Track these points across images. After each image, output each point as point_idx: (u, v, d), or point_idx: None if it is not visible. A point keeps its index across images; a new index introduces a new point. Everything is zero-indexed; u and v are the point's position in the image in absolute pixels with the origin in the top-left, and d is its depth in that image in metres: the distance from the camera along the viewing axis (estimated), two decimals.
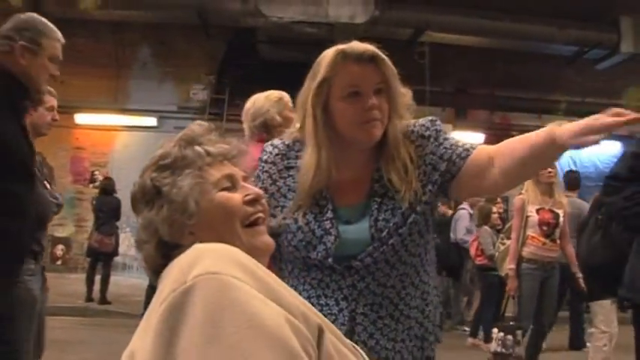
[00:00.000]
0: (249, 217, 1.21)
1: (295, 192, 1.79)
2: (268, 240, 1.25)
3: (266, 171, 1.84)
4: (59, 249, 10.41)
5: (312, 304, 1.68)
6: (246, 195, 1.22)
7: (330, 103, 1.72)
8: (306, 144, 1.77)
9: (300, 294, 1.66)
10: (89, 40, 10.17)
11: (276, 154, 1.84)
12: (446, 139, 1.81)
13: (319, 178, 1.74)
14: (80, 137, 10.93)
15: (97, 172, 10.81)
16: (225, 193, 1.21)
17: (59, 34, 2.55)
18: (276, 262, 1.87)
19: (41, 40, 2.45)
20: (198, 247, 1.02)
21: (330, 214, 1.75)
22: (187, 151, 1.22)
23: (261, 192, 1.28)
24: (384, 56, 1.72)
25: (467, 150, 1.79)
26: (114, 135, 10.97)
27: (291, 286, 1.74)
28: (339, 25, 9.07)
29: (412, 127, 1.82)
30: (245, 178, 1.28)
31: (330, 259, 1.73)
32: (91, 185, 10.73)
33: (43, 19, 2.52)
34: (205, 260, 0.96)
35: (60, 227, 10.43)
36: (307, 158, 1.75)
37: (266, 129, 3.10)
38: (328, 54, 1.72)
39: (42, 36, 2.46)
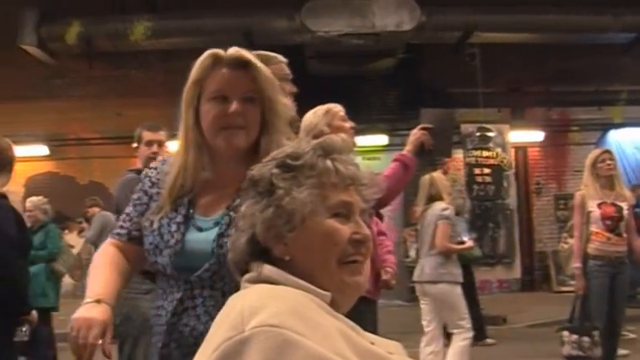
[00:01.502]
0: (347, 257, 1.13)
1: (154, 205, 1.75)
2: (360, 280, 1.16)
3: (148, 176, 1.81)
4: None
5: (155, 315, 1.74)
6: (355, 233, 1.14)
7: (200, 105, 1.67)
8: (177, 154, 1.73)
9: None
10: (140, 71, 10.39)
11: (154, 168, 1.83)
12: None
13: (183, 180, 1.69)
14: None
15: None
16: (334, 223, 1.13)
17: None
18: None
19: None
20: (261, 291, 1.01)
21: (180, 219, 1.69)
22: (319, 161, 1.15)
23: (369, 234, 1.17)
24: (260, 64, 1.66)
25: None
26: None
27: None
28: (385, 35, 9.03)
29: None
30: (362, 212, 1.19)
31: (168, 268, 1.67)
32: None
33: None
34: (267, 309, 0.93)
35: None
36: (174, 159, 1.72)
37: None
38: (202, 57, 1.68)
39: None
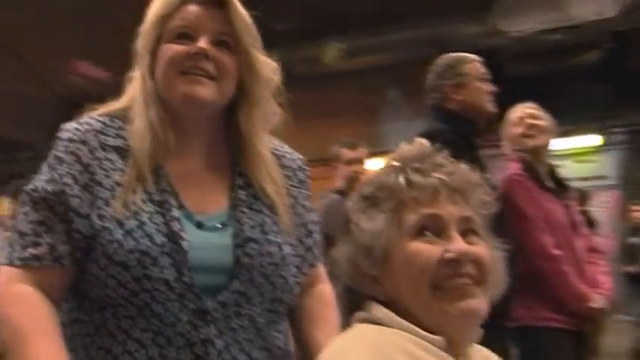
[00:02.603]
0: (444, 281, 0.94)
1: (117, 181, 1.19)
2: (468, 306, 0.94)
3: (72, 152, 1.21)
4: None
5: None
6: (446, 251, 0.94)
7: (158, 49, 1.26)
8: (133, 109, 1.26)
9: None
10: (338, 93, 10.60)
11: (87, 131, 1.24)
12: (309, 206, 1.40)
13: (155, 149, 1.21)
14: None
15: None
16: (417, 244, 0.95)
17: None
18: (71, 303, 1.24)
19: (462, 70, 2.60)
20: (354, 335, 0.92)
21: (175, 213, 1.19)
22: (390, 180, 0.99)
23: (467, 250, 0.94)
24: (240, 7, 1.29)
25: (316, 257, 1.38)
26: None
27: (103, 346, 1.16)
28: (586, 25, 8.46)
29: (281, 150, 1.41)
30: (466, 221, 0.98)
31: (186, 276, 1.15)
32: None
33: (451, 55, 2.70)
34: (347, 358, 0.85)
35: None
36: (137, 122, 1.23)
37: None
38: None
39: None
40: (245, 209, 1.26)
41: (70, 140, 1.23)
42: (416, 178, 0.98)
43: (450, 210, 0.97)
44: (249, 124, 1.30)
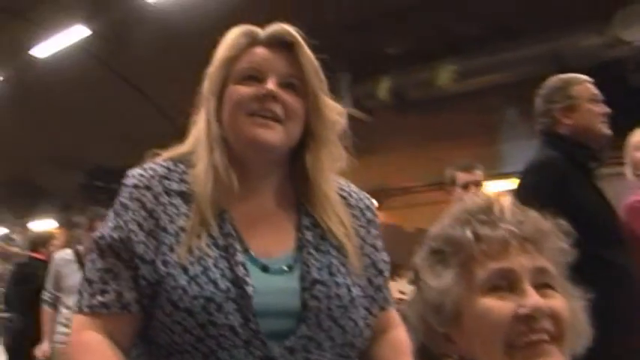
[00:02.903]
0: (519, 338, 0.88)
1: (181, 226, 1.18)
2: None
3: (137, 198, 1.22)
4: None
5: None
6: (520, 307, 0.88)
7: (225, 91, 1.26)
8: (197, 152, 1.25)
9: None
10: (454, 115, 10.44)
11: (151, 177, 1.25)
12: (380, 245, 1.37)
13: (218, 192, 1.20)
14: None
15: None
16: (489, 301, 0.90)
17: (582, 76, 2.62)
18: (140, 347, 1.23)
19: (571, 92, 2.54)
20: None
21: (240, 257, 1.18)
22: (456, 233, 0.94)
23: (542, 304, 0.89)
24: (304, 46, 1.27)
25: (387, 299, 1.34)
26: None
27: None
28: None
29: (347, 190, 1.37)
30: (539, 272, 0.91)
31: (252, 322, 1.13)
32: None
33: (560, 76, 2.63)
34: None
35: None
36: (200, 166, 1.23)
37: None
38: (232, 33, 1.30)
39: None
40: (312, 250, 1.23)
41: (135, 187, 1.24)
42: (483, 230, 0.93)
43: (521, 262, 0.91)
44: (315, 166, 1.28)
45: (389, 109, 10.03)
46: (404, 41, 9.58)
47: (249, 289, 1.15)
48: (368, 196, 1.41)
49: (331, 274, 1.21)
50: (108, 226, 1.23)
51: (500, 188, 10.80)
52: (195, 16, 9.40)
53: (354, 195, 1.38)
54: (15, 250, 8.22)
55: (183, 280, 1.14)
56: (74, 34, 10.64)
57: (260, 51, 1.26)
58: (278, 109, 1.21)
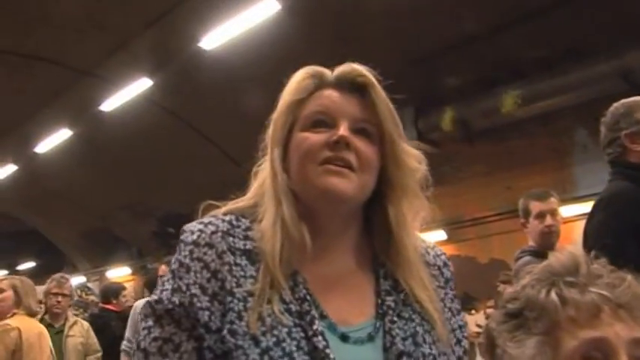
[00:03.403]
0: None
1: (249, 290, 1.05)
2: None
3: (198, 258, 1.08)
4: None
5: None
6: None
7: (291, 138, 1.14)
8: (262, 206, 1.13)
9: None
10: (522, 141, 10.21)
11: (212, 232, 1.11)
12: (456, 308, 1.21)
13: (288, 251, 1.06)
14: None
15: None
16: None
17: None
18: None
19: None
20: None
21: (318, 326, 1.04)
22: (540, 295, 0.82)
23: None
24: (378, 87, 1.15)
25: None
26: (571, 227, 10.59)
27: None
28: None
29: (424, 246, 1.22)
30: (638, 344, 0.79)
31: None
32: None
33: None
34: None
35: None
36: (267, 220, 1.09)
37: None
38: (299, 75, 1.18)
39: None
40: (395, 318, 1.10)
41: (195, 244, 1.10)
42: (570, 293, 0.82)
43: (616, 331, 0.80)
44: (397, 218, 1.15)
45: (454, 140, 9.89)
46: (465, 71, 9.47)
47: None
48: (442, 250, 1.28)
49: (416, 344, 1.08)
50: (166, 289, 1.09)
51: (574, 213, 10.48)
52: (250, 59, 9.53)
53: (430, 251, 1.25)
54: (92, 298, 8.39)
55: (254, 354, 1.01)
56: (138, 87, 10.92)
57: (329, 93, 1.15)
58: (352, 157, 1.09)
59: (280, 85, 1.20)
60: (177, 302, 1.06)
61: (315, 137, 1.11)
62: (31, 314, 4.39)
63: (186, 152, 12.85)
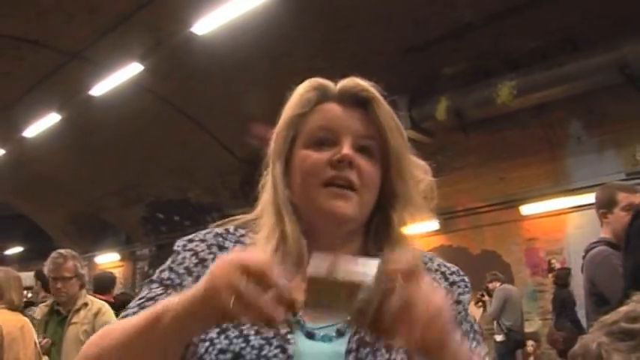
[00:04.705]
0: None
1: None
2: None
3: (190, 249, 1.15)
4: (529, 345, 10.06)
5: None
6: None
7: (293, 152, 1.14)
8: (261, 219, 1.15)
9: None
10: (516, 132, 10.15)
11: (207, 233, 1.19)
12: (470, 321, 1.16)
13: (285, 257, 1.06)
14: (531, 228, 10.76)
15: (553, 261, 10.43)
16: None
17: None
18: None
19: None
20: None
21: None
22: None
23: None
24: (382, 101, 1.14)
25: None
26: (564, 219, 10.55)
27: None
28: None
29: (437, 263, 1.21)
30: None
31: None
32: (550, 275, 10.37)
33: None
34: None
35: (527, 322, 10.16)
36: (262, 234, 1.12)
37: None
38: (301, 88, 1.18)
39: None
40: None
41: (189, 240, 1.18)
42: None
43: None
44: (399, 227, 1.16)
45: (448, 130, 9.82)
46: (460, 60, 9.37)
47: (290, 349, 1.02)
48: (458, 270, 1.24)
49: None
50: (159, 271, 1.17)
51: (567, 205, 10.44)
52: (243, 45, 9.40)
53: (441, 270, 1.22)
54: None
55: (213, 333, 1.04)
56: (129, 71, 10.78)
57: (332, 107, 1.15)
58: (354, 177, 1.09)
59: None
60: (165, 277, 1.13)
61: (318, 156, 1.11)
62: (13, 308, 4.16)
63: (176, 138, 12.73)
